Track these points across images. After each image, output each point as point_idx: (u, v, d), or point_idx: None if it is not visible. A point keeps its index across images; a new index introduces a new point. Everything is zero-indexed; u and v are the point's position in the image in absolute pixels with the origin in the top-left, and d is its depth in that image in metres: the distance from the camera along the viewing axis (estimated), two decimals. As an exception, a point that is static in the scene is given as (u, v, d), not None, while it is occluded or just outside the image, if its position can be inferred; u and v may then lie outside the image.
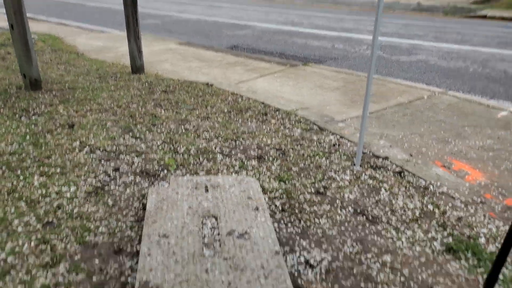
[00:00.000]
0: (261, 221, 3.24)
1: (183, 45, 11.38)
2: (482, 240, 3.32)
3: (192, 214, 3.27)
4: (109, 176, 4.06)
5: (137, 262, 2.79)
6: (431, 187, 4.16)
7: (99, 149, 4.67)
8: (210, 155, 4.65)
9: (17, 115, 5.60)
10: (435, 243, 3.26)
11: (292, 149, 4.90)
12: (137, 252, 2.92)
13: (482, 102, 7.10)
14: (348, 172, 4.38)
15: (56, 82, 7.24)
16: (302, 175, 4.27)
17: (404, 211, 3.69)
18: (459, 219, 3.61)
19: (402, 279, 2.85)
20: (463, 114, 6.42)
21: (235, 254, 2.84)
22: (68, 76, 7.72)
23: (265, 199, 3.62)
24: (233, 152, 4.76)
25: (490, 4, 25.01)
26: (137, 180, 4.02)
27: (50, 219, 3.28)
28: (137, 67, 8.02)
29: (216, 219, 3.24)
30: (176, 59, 9.72)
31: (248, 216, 3.30)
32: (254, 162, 4.51)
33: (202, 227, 3.12)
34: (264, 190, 3.89)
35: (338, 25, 16.77)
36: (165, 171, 4.23)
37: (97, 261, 2.83)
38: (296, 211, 3.61)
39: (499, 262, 2.20)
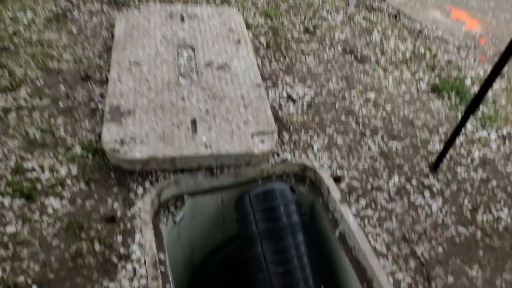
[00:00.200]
0: (243, 55, 2.99)
1: None
2: (468, 82, 3.23)
3: (167, 43, 2.96)
4: (71, 2, 3.55)
5: (107, 90, 2.60)
6: (426, 31, 3.87)
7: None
8: (187, -13, 4.08)
9: None
10: (421, 83, 3.15)
11: (281, -16, 4.35)
12: (107, 79, 2.70)
13: None
14: (341, 12, 3.98)
15: None
16: (292, 13, 3.85)
17: (395, 52, 3.48)
18: (449, 62, 3.45)
19: (384, 114, 2.81)
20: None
21: (214, 85, 2.67)
22: None
23: (249, 35, 3.30)
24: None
25: None
26: (104, 9, 3.54)
27: (6, 45, 2.93)
28: None
29: (193, 49, 2.96)
30: None
31: (229, 48, 3.02)
32: (237, -4, 4.01)
33: (178, 57, 2.86)
34: (248, 25, 3.53)
35: None
36: (136, 1, 3.72)
37: (62, 87, 2.61)
38: (282, 48, 3.34)
39: (478, 96, 2.09)
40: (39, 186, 2.02)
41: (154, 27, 3.10)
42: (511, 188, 2.46)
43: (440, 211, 2.30)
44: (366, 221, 2.22)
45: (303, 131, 2.58)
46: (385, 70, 3.24)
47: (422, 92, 3.05)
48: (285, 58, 3.23)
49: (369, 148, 2.56)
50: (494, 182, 2.48)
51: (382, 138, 2.64)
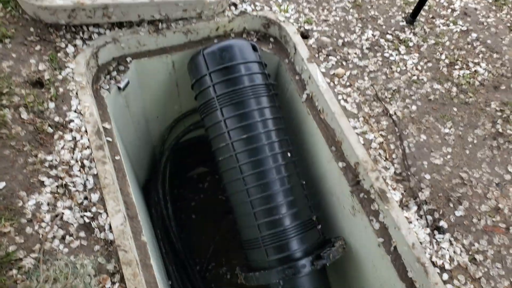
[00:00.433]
0: None
1: None
2: None
3: None
4: None
5: None
6: None
7: None
8: None
9: None
10: None
11: None
12: None
13: None
14: None
15: None
16: None
17: None
18: None
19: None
20: None
21: None
22: None
23: None
24: None
25: None
26: None
27: None
28: None
29: None
30: None
31: None
32: None
33: None
34: None
35: None
36: None
37: None
38: None
39: None
40: None
41: None
42: (491, 40, 2.27)
43: (415, 67, 2.11)
44: (336, 81, 2.01)
45: (266, -20, 2.17)
46: None
47: None
48: None
49: None
50: (473, 35, 2.27)
51: (357, -12, 2.29)
